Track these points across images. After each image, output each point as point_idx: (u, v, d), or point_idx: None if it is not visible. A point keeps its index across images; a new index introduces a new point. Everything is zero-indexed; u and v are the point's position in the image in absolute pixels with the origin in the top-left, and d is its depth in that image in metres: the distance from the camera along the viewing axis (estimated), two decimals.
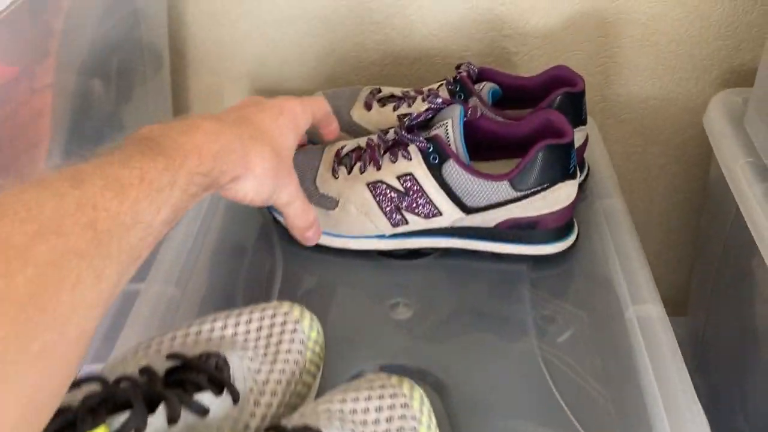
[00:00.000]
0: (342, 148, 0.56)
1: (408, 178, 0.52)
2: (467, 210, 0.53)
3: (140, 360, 0.39)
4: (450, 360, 0.49)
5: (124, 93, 0.61)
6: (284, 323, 0.44)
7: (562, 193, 0.54)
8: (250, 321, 0.44)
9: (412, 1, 0.74)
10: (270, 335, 0.43)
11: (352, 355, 0.49)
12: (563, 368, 0.49)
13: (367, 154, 0.55)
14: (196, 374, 0.38)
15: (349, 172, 0.55)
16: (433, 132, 0.53)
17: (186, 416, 0.36)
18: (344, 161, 0.55)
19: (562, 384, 0.47)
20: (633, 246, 0.58)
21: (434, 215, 0.53)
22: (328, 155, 0.57)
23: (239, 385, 0.39)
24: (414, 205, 0.53)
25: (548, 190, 0.53)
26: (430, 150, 0.52)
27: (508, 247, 0.56)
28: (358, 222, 0.54)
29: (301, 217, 0.50)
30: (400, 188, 0.53)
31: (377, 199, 0.54)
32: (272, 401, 0.40)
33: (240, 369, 0.40)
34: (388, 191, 0.53)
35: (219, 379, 0.38)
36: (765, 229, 0.56)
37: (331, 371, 0.46)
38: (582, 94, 0.60)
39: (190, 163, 0.37)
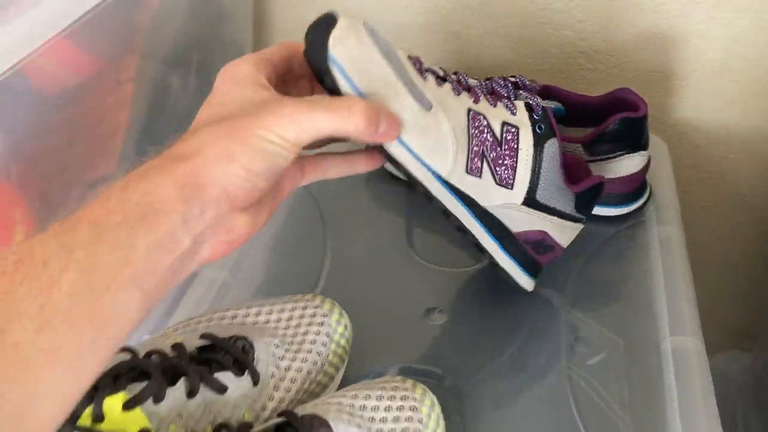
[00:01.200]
0: (417, 58, 0.45)
1: (513, 130, 0.47)
2: (529, 200, 0.49)
3: (177, 337, 0.43)
4: (474, 368, 0.50)
5: (203, 87, 0.66)
6: (313, 315, 0.46)
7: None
8: (282, 310, 0.47)
9: (488, 13, 0.74)
10: (298, 325, 0.46)
11: (378, 355, 0.50)
12: (588, 391, 0.49)
13: (458, 80, 0.47)
14: (223, 354, 0.41)
15: (439, 85, 0.45)
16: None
17: (204, 392, 0.39)
18: (429, 71, 0.45)
19: (583, 406, 0.47)
20: (683, 277, 0.57)
21: (507, 184, 0.48)
22: (405, 57, 0.44)
23: (261, 368, 0.42)
24: (500, 161, 0.47)
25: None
26: (538, 118, 0.48)
27: (507, 260, 0.52)
28: (443, 143, 0.44)
29: (349, 116, 0.37)
30: (498, 136, 0.46)
31: (472, 131, 0.45)
32: (291, 387, 0.43)
33: (264, 354, 0.43)
34: (485, 131, 0.46)
35: (242, 361, 0.41)
36: None
37: (355, 368, 0.49)
38: (643, 118, 0.59)
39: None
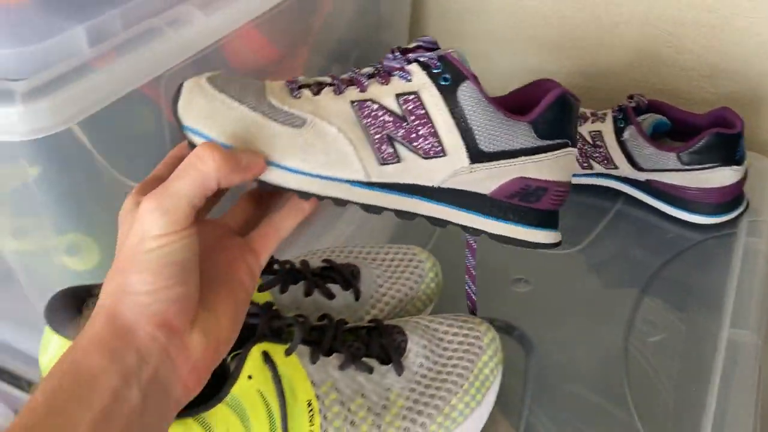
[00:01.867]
0: (293, 79, 0.43)
1: (412, 97, 0.41)
2: (476, 155, 0.42)
3: (309, 257, 0.56)
4: (542, 325, 0.59)
5: None
6: (410, 260, 0.58)
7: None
8: (387, 252, 0.58)
9: (614, 26, 0.82)
10: (398, 265, 0.57)
11: (464, 303, 0.61)
12: (641, 361, 0.56)
13: (337, 81, 0.43)
14: (336, 273, 0.54)
15: (316, 95, 0.42)
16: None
17: (317, 295, 0.52)
18: (302, 88, 0.42)
19: (634, 373, 0.55)
20: (758, 281, 0.62)
21: (436, 154, 0.42)
22: (273, 84, 0.42)
23: (363, 289, 0.54)
24: (413, 135, 0.41)
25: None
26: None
27: (498, 224, 0.45)
28: (336, 149, 0.41)
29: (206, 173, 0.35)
30: (398, 111, 0.41)
31: (364, 122, 0.41)
32: (384, 309, 0.54)
33: (367, 279, 0.55)
34: (380, 113, 0.41)
35: (349, 281, 0.54)
36: None
37: (444, 309, 0.59)
38: (737, 135, 0.64)
39: None
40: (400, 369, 0.47)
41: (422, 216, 0.44)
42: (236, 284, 0.38)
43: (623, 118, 0.68)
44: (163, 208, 0.33)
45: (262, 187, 0.40)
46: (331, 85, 0.42)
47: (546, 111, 0.43)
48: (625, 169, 0.70)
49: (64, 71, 0.42)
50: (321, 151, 0.40)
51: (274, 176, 0.40)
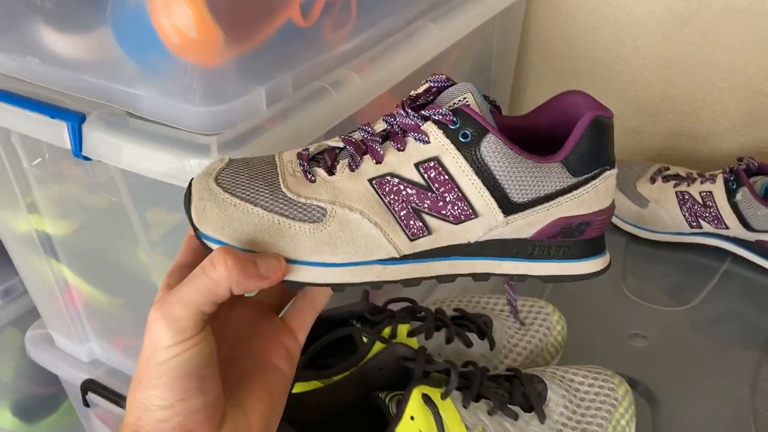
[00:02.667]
0: (304, 150, 0.40)
1: (432, 165, 0.38)
2: (509, 208, 0.39)
3: (439, 305, 0.59)
4: (664, 381, 0.60)
5: None
6: (539, 312, 0.60)
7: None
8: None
9: (718, 99, 0.84)
10: (526, 317, 0.59)
11: (585, 356, 0.62)
12: None
13: (351, 148, 0.39)
14: (470, 323, 0.56)
15: (331, 174, 0.39)
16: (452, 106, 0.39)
17: (457, 343, 0.54)
18: (315, 163, 0.40)
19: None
20: None
21: (467, 217, 0.39)
22: (285, 160, 0.40)
23: (496, 338, 0.56)
24: (440, 204, 0.38)
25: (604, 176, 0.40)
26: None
27: (543, 266, 0.42)
28: (362, 235, 0.38)
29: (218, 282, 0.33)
30: (421, 181, 0.38)
31: (386, 199, 0.38)
32: (517, 359, 0.56)
33: (500, 330, 0.57)
34: (402, 187, 0.38)
35: (484, 330, 0.56)
36: None
37: (567, 362, 0.61)
38: None
39: None
40: (542, 417, 0.49)
41: (462, 275, 0.41)
42: (272, 373, 0.37)
43: (735, 179, 0.70)
44: (169, 317, 0.32)
45: (291, 286, 0.38)
46: (344, 152, 0.39)
47: (578, 144, 0.38)
48: (735, 229, 0.71)
49: (247, 128, 0.46)
50: (348, 241, 0.38)
51: (301, 275, 0.38)
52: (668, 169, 0.79)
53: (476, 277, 0.42)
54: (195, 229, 0.37)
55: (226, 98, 0.46)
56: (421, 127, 0.38)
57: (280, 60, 0.50)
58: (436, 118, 0.38)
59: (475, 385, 0.49)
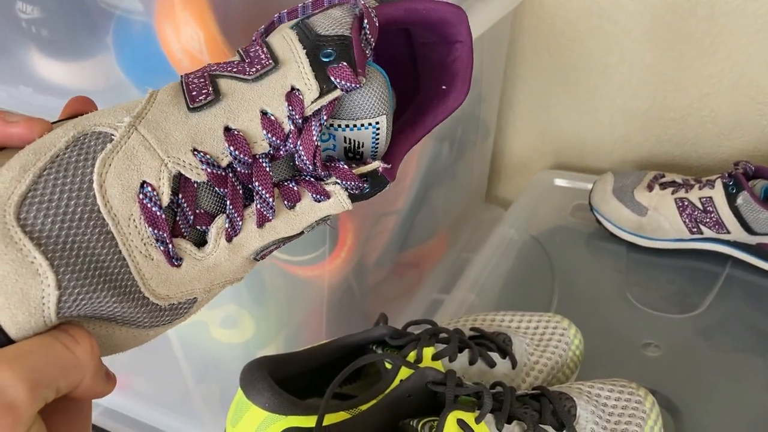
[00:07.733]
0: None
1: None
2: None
3: (456, 325, 0.57)
4: (681, 389, 0.59)
5: (460, 153, 0.83)
6: (555, 328, 0.59)
7: None
8: (530, 320, 0.59)
9: (705, 105, 0.85)
10: (543, 333, 0.58)
11: (602, 369, 0.61)
12: None
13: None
14: (489, 342, 0.55)
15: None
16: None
17: (480, 363, 0.52)
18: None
19: None
20: None
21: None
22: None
23: (517, 356, 0.55)
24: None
25: None
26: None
27: None
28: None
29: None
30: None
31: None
32: (539, 377, 0.55)
33: (519, 347, 0.56)
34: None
35: (504, 349, 0.55)
36: None
37: (585, 376, 0.60)
38: None
39: None
40: None
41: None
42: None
43: (734, 184, 0.70)
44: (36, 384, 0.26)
45: None
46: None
47: None
48: (737, 233, 0.72)
49: None
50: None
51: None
52: (664, 176, 0.79)
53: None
54: None
55: None
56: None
57: None
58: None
59: (506, 406, 0.47)
